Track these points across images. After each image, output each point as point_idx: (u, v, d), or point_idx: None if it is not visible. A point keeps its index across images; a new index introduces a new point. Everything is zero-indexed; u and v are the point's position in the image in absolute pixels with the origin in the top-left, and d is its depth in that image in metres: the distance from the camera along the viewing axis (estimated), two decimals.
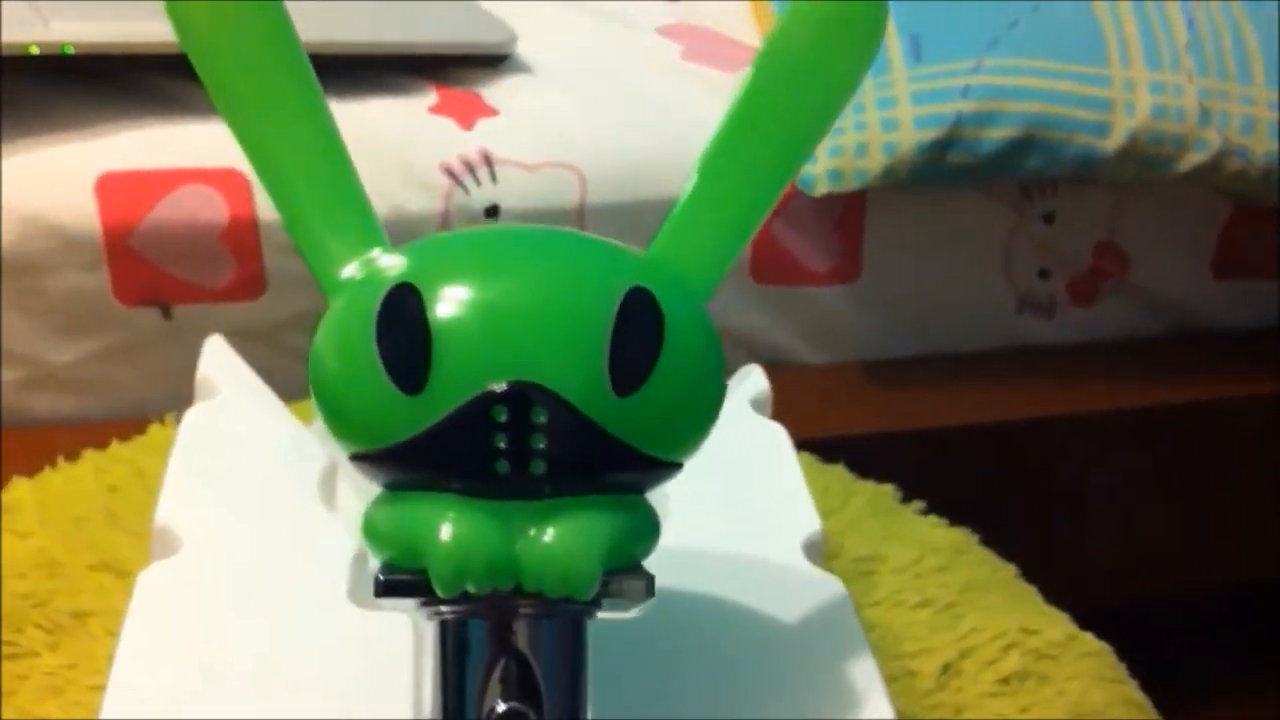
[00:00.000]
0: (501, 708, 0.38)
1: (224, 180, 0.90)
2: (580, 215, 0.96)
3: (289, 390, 0.64)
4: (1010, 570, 0.71)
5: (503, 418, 0.37)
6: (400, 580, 0.38)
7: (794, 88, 0.42)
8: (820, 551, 0.58)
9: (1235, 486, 1.09)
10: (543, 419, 0.37)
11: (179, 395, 0.77)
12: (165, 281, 0.90)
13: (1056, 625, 0.66)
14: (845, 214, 1.02)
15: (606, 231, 0.98)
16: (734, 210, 0.42)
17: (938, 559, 0.69)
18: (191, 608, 0.47)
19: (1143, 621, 0.74)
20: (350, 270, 0.40)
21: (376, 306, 0.37)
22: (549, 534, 0.37)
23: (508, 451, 0.37)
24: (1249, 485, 1.09)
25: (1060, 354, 1.08)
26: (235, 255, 0.90)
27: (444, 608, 0.39)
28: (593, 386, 0.37)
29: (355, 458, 0.39)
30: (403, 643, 0.46)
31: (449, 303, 0.37)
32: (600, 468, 0.38)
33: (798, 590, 0.53)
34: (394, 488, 0.39)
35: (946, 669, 0.62)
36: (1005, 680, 0.61)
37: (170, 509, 0.51)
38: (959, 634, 0.64)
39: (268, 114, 0.41)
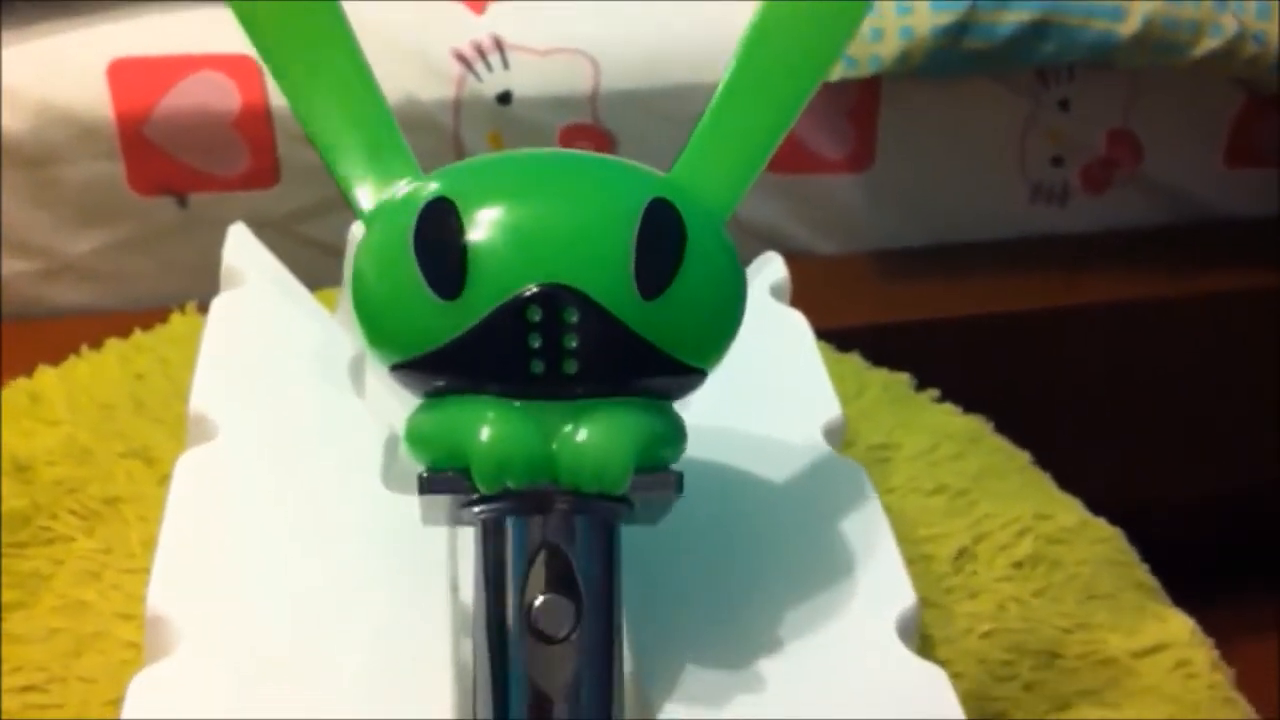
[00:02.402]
0: (541, 600, 0.39)
1: (236, 66, 0.89)
2: (593, 101, 0.95)
3: (305, 280, 0.65)
4: (1023, 457, 0.72)
5: (536, 318, 0.38)
6: (442, 477, 0.40)
7: (810, 12, 0.43)
8: (841, 437, 0.59)
9: (1247, 378, 1.10)
10: (574, 319, 0.39)
11: (195, 285, 0.77)
12: (180, 170, 0.90)
13: (1069, 511, 0.67)
14: (859, 101, 1.01)
15: (619, 118, 0.98)
16: (750, 134, 0.43)
17: (952, 446, 0.70)
18: (231, 491, 0.47)
19: (1150, 516, 0.75)
20: (386, 196, 0.41)
21: (414, 219, 0.39)
22: (583, 432, 0.39)
23: (542, 350, 0.39)
24: (1261, 376, 1.10)
25: (1073, 244, 1.08)
26: (249, 144, 0.90)
27: (483, 506, 0.40)
28: (620, 289, 0.39)
29: (396, 368, 0.40)
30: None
31: (482, 214, 0.39)
32: (629, 369, 0.40)
33: (820, 474, 0.54)
34: (433, 396, 0.40)
35: (961, 554, 0.63)
36: (1019, 564, 0.63)
37: (204, 396, 0.51)
38: (973, 519, 0.65)
39: (304, 50, 0.42)
